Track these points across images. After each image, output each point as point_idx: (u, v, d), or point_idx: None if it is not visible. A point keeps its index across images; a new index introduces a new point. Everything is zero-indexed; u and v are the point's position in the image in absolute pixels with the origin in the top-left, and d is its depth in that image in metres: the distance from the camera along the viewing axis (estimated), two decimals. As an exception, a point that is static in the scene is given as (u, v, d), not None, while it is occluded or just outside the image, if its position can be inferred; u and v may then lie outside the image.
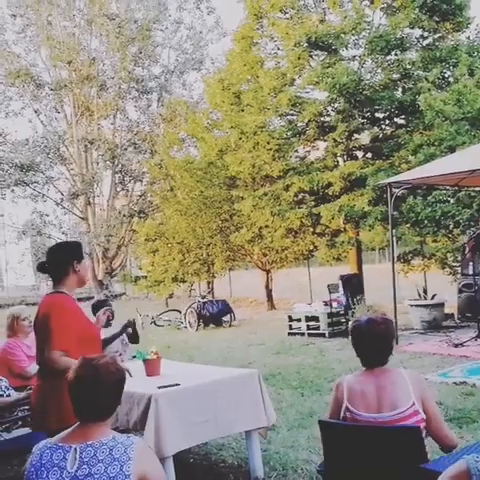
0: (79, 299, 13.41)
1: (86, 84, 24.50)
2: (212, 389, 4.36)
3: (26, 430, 4.47)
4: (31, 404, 3.58)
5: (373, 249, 17.59)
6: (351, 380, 2.92)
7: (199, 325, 14.46)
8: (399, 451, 2.63)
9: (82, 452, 2.16)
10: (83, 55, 24.61)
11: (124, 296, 27.52)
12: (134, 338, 5.76)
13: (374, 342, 2.89)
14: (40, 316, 3.38)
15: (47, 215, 25.09)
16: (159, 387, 4.17)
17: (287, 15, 15.37)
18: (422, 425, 2.75)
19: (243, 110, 15.25)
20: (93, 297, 22.81)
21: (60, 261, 3.46)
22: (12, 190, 24.30)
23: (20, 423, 4.56)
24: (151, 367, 4.64)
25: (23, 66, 24.54)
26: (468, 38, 14.76)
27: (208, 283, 20.33)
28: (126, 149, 25.23)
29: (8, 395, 4.63)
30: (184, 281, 19.36)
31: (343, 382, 2.93)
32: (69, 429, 2.27)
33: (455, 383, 6.72)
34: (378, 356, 2.90)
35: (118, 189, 26.03)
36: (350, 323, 3.06)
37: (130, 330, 5.17)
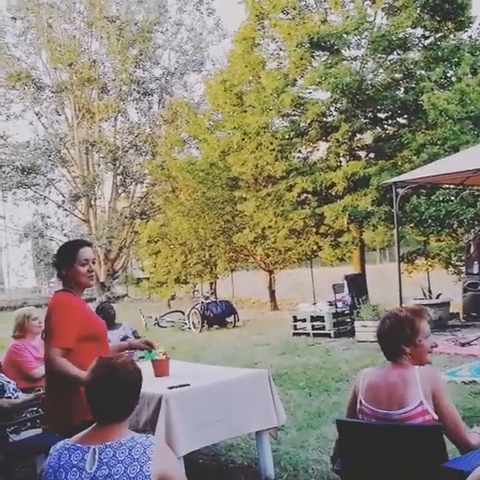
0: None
1: (87, 86, 24.50)
2: (222, 389, 4.32)
3: (35, 431, 4.44)
4: (43, 405, 3.57)
5: (374, 249, 17.54)
6: (369, 374, 2.91)
7: (203, 326, 14.42)
8: (419, 449, 2.59)
9: (101, 453, 2.14)
10: (84, 57, 24.62)
11: (126, 298, 27.49)
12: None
13: (382, 336, 2.91)
14: (46, 314, 3.42)
15: (49, 217, 25.11)
16: (169, 387, 4.14)
17: (289, 16, 15.34)
18: (436, 425, 2.70)
19: (245, 111, 15.23)
20: (95, 299, 22.78)
21: (54, 265, 3.54)
22: (13, 192, 24.33)
23: (29, 424, 4.52)
24: (160, 367, 4.61)
25: (24, 69, 24.55)
26: (470, 37, 14.77)
27: (211, 284, 20.29)
28: (127, 151, 25.25)
29: (16, 397, 4.59)
30: (186, 282, 19.35)
31: (361, 375, 2.92)
32: (87, 430, 2.25)
33: (464, 382, 6.69)
34: (386, 351, 2.89)
35: (119, 191, 26.03)
36: None
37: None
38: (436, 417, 2.70)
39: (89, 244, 3.61)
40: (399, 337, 2.83)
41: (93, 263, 3.49)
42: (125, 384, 2.25)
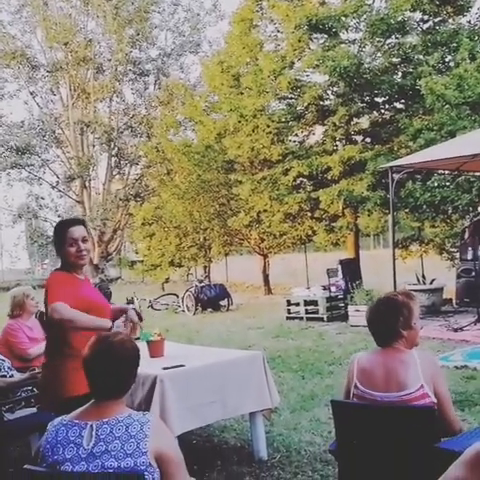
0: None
1: (82, 66, 24.22)
2: (217, 370, 4.34)
3: (29, 410, 4.46)
4: (39, 382, 3.60)
5: (368, 235, 17.57)
6: (363, 358, 2.92)
7: (197, 309, 14.45)
8: (412, 430, 2.61)
9: (98, 429, 2.15)
10: (79, 36, 24.31)
11: (120, 280, 27.49)
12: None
13: (376, 321, 2.91)
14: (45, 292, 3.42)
15: (43, 198, 24.92)
16: (164, 368, 4.16)
17: (287, -3, 15.21)
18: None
19: (242, 93, 15.14)
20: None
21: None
22: (8, 173, 24.13)
23: (23, 403, 4.55)
24: (155, 348, 4.62)
25: (18, 47, 24.23)
26: (469, 22, 14.68)
27: (205, 268, 20.31)
28: (122, 132, 25.06)
29: (11, 376, 4.60)
30: (181, 265, 19.37)
31: (355, 359, 2.93)
32: (84, 406, 2.26)
33: (456, 367, 6.74)
34: (381, 335, 2.89)
35: (114, 172, 25.87)
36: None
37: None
38: (435, 400, 2.73)
39: (80, 222, 3.54)
40: (397, 321, 2.84)
41: (84, 241, 3.42)
42: (122, 361, 2.26)
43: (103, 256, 25.20)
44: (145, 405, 4.03)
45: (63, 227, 3.47)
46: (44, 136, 24.20)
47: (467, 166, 10.24)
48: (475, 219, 9.71)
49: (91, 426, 2.16)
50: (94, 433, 2.14)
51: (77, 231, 3.42)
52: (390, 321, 2.85)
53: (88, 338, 2.86)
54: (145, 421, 2.18)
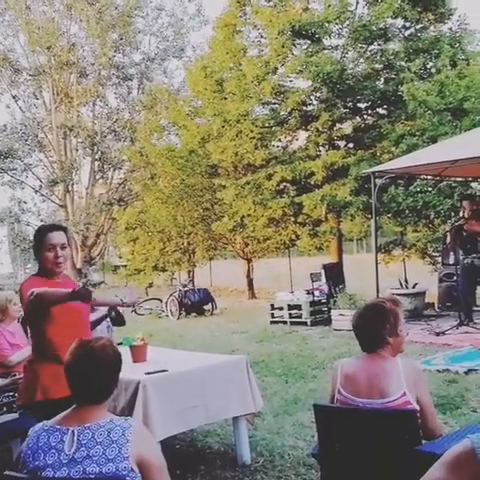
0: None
1: (65, 70, 24.14)
2: (200, 375, 4.34)
3: (11, 416, 4.42)
4: (21, 383, 3.59)
5: (351, 240, 17.65)
6: (347, 363, 2.92)
7: (180, 314, 14.42)
8: (393, 434, 2.63)
9: (80, 434, 2.14)
10: (62, 40, 24.22)
11: (103, 285, 27.30)
12: (120, 321, 5.67)
13: (362, 327, 2.91)
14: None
15: (25, 202, 24.79)
16: (147, 373, 4.15)
17: (271, 3, 15.27)
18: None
19: (226, 98, 15.15)
20: (71, 286, 22.54)
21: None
22: (-11, 177, 23.97)
23: (5, 409, 4.51)
24: (137, 353, 4.62)
25: (1, 51, 24.09)
26: (450, 29, 14.81)
27: (188, 272, 20.26)
28: (106, 136, 24.99)
29: (-8, 382, 4.57)
30: (165, 270, 19.29)
31: (339, 364, 2.93)
32: (66, 412, 2.25)
33: (438, 370, 6.78)
34: (367, 341, 2.90)
35: (97, 177, 25.78)
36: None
37: (113, 313, 5.07)
38: (418, 408, 2.74)
39: (61, 228, 3.50)
40: (384, 327, 2.84)
41: (63, 248, 3.37)
42: (104, 366, 2.26)
43: (86, 260, 25.09)
44: (128, 410, 4.01)
45: (42, 232, 3.42)
46: (27, 140, 24.05)
47: (449, 171, 10.35)
48: (456, 224, 9.80)
49: (73, 431, 2.15)
50: (76, 438, 2.13)
51: (56, 237, 3.36)
52: (377, 327, 2.85)
53: (65, 331, 2.86)
54: (127, 426, 2.18)
